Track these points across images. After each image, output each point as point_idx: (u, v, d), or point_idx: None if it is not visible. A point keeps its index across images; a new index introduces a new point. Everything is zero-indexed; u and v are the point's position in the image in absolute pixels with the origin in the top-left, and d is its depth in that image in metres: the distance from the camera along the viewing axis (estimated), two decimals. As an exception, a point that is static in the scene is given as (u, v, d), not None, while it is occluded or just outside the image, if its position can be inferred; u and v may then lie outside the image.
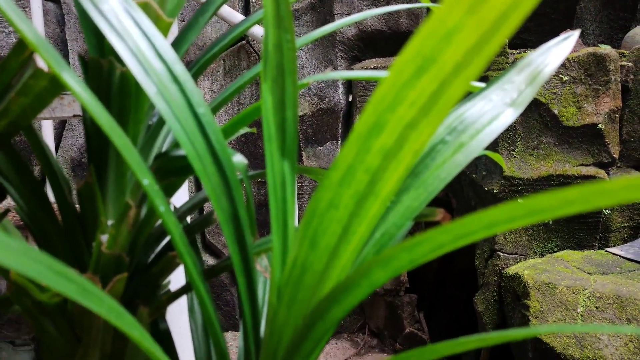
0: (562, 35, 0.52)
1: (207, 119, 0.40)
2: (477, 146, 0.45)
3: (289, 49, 0.40)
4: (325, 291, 0.36)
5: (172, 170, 0.43)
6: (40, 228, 0.45)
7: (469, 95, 0.49)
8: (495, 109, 0.46)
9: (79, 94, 0.32)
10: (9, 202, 0.51)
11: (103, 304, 0.28)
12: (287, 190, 0.41)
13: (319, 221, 0.33)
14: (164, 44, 0.41)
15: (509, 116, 0.46)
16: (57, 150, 2.24)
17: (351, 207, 0.32)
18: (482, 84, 0.51)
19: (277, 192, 0.39)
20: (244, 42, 2.13)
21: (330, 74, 0.49)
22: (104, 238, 0.42)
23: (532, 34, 2.07)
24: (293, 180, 0.42)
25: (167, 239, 0.51)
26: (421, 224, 2.05)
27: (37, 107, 0.42)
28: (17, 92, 0.40)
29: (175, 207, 0.58)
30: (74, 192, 0.46)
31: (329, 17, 2.13)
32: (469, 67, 0.24)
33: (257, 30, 1.91)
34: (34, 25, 0.31)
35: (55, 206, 0.46)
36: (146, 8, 0.43)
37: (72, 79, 0.33)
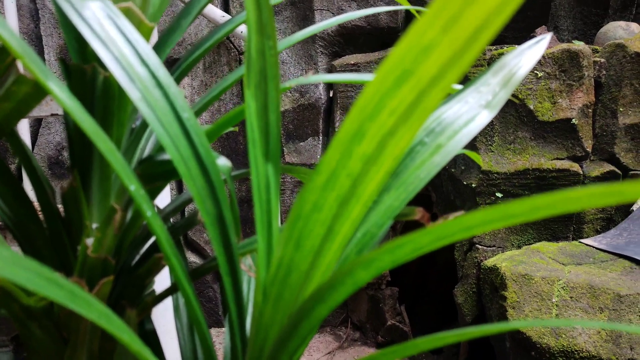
0: (535, 38, 0.53)
1: (191, 123, 0.41)
2: (454, 147, 0.46)
3: (271, 55, 0.41)
4: (310, 290, 0.38)
5: (157, 174, 0.44)
6: (24, 231, 0.45)
7: (447, 97, 0.51)
8: (472, 111, 0.48)
9: (63, 101, 0.33)
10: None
11: (92, 309, 0.29)
12: (271, 193, 0.42)
13: (303, 223, 0.34)
14: (147, 49, 0.41)
15: (484, 118, 0.47)
16: (33, 148, 2.20)
17: (334, 210, 0.33)
18: (459, 86, 0.52)
19: (261, 194, 0.40)
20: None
21: (311, 78, 0.50)
22: (90, 242, 0.42)
23: (508, 30, 2.11)
24: (277, 182, 0.43)
25: (152, 239, 0.51)
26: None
27: (21, 112, 0.42)
28: (1, 98, 0.40)
29: (158, 209, 0.59)
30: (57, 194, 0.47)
31: (309, 13, 2.13)
32: (445, 79, 0.25)
33: (238, 27, 1.90)
34: (14, 29, 0.31)
35: (37, 208, 0.46)
36: (128, 13, 0.43)
37: (57, 86, 0.33)
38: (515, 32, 2.12)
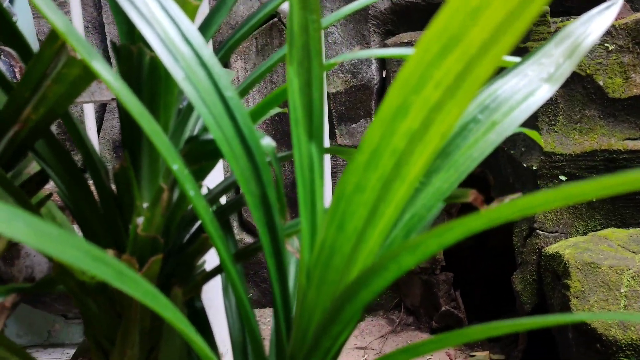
0: (606, 3, 0.49)
1: (235, 102, 0.41)
2: (510, 124, 0.43)
3: (314, 30, 0.39)
4: (354, 274, 0.37)
5: (202, 154, 0.44)
6: (81, 211, 0.47)
7: (503, 70, 0.47)
8: (531, 85, 0.44)
9: (109, 81, 0.33)
10: (52, 185, 0.53)
11: (139, 287, 0.29)
12: (314, 172, 0.41)
13: (346, 204, 0.32)
14: (191, 29, 0.41)
15: (545, 92, 0.44)
16: (99, 132, 2.32)
17: (377, 191, 0.31)
18: (517, 59, 0.49)
19: (304, 174, 0.39)
20: (275, 19, 2.12)
21: (358, 53, 0.48)
22: (140, 221, 0.43)
23: (574, 1, 1.97)
24: (321, 161, 0.42)
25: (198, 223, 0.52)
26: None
27: (72, 94, 0.43)
28: (52, 81, 0.41)
29: (209, 189, 0.59)
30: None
31: (361, -8, 2.08)
32: (497, 46, 0.23)
33: (286, 6, 1.89)
34: (63, 14, 0.31)
35: (94, 189, 0.48)
36: (173, -8, 0.43)
37: (102, 67, 0.33)
38: (583, 2, 1.97)
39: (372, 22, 2.08)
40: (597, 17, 0.46)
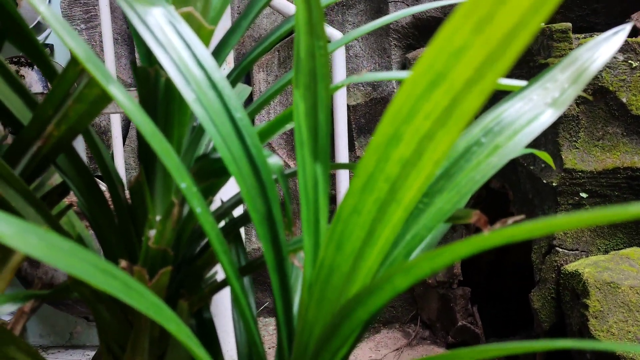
0: (613, 29, 0.49)
1: (244, 122, 0.42)
2: (513, 148, 0.44)
3: (321, 55, 0.41)
4: (353, 291, 0.38)
5: (211, 171, 0.46)
6: (97, 222, 0.50)
7: (509, 94, 0.48)
8: (535, 109, 0.45)
9: (123, 104, 0.35)
10: (73, 195, 0.56)
11: (144, 300, 0.31)
12: (319, 192, 0.42)
13: (343, 226, 0.34)
14: (204, 52, 0.43)
15: (548, 117, 0.44)
16: (124, 141, 2.38)
17: (373, 213, 0.32)
18: (523, 83, 0.49)
19: (308, 194, 0.41)
20: (298, 33, 2.15)
21: (365, 76, 0.49)
22: (152, 233, 0.45)
23: (599, 16, 1.94)
24: (326, 181, 0.43)
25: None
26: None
27: (92, 113, 0.45)
28: (74, 100, 0.43)
29: (222, 201, 0.61)
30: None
31: (383, 5, 2.10)
32: (482, 82, 0.24)
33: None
34: (83, 41, 0.34)
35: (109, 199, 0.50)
36: (189, 18, 0.45)
37: (118, 90, 0.36)
38: (608, 18, 1.95)
39: (394, 36, 2.09)
40: (603, 44, 0.47)
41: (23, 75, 2.09)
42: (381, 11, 2.12)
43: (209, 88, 0.42)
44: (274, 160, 0.45)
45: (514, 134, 0.44)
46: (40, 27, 2.30)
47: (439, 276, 2.06)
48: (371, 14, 2.15)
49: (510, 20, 0.20)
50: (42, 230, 0.27)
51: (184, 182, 0.37)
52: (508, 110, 0.46)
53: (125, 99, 0.36)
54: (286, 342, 0.42)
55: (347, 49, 2.14)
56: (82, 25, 2.41)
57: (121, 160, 1.98)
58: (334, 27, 2.11)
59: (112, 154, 2.06)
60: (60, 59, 2.28)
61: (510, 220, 0.45)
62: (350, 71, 2.17)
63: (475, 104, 0.25)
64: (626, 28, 0.48)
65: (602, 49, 0.47)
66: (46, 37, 2.30)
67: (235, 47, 2.20)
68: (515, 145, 0.44)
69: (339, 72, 1.96)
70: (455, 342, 2.05)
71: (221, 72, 0.43)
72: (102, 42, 2.03)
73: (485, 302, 2.16)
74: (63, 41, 0.33)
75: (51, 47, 2.29)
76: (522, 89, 0.47)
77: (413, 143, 0.28)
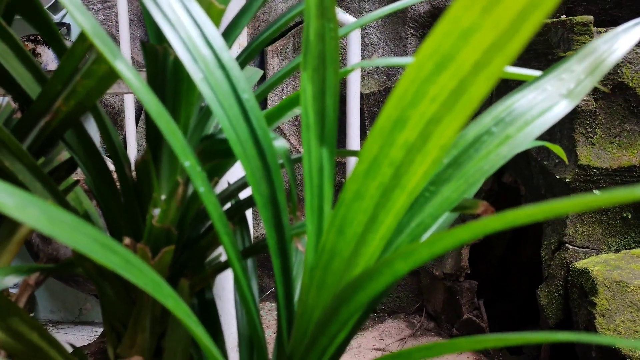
0: (633, 21, 0.47)
1: (251, 104, 0.42)
2: (524, 139, 0.43)
3: (331, 38, 0.40)
4: (354, 276, 0.37)
5: (217, 152, 0.46)
6: (104, 199, 0.50)
7: (523, 84, 0.47)
8: (549, 100, 0.44)
9: (130, 80, 0.35)
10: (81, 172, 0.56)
11: (143, 276, 0.31)
12: (324, 177, 0.42)
13: (346, 210, 0.33)
14: (213, 31, 0.42)
15: (562, 108, 0.43)
16: (137, 121, 2.39)
17: (376, 199, 0.32)
18: (537, 72, 0.48)
19: (313, 178, 0.40)
20: (313, 19, 2.13)
21: (375, 61, 0.49)
22: (156, 212, 0.45)
23: (623, 10, 1.90)
24: (332, 166, 0.43)
25: (217, 215, 0.54)
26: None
27: (101, 89, 0.45)
28: (83, 76, 0.43)
29: (229, 183, 0.61)
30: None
31: (400, -7, 2.07)
32: (491, 66, 0.23)
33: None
34: (91, 16, 0.34)
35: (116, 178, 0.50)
36: (199, -4, 0.45)
37: (125, 66, 0.35)
38: (632, 12, 1.90)
39: (410, 24, 2.06)
40: (622, 35, 0.45)
41: (39, 54, 2.10)
42: (398, -1, 2.09)
43: (217, 68, 0.41)
44: (280, 144, 0.45)
45: (525, 124, 0.43)
46: (57, 5, 2.30)
47: (446, 268, 2.05)
48: (388, 1, 2.12)
49: (520, 1, 0.20)
50: (45, 203, 0.27)
51: (188, 161, 0.36)
52: (520, 100, 0.45)
53: (132, 76, 0.35)
54: (285, 325, 0.42)
55: (363, 37, 2.12)
56: (99, 6, 2.41)
57: (133, 140, 1.99)
58: (350, 14, 2.09)
59: (125, 134, 2.08)
60: (77, 39, 2.29)
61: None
62: (365, 59, 2.15)
63: (483, 89, 0.25)
64: (647, 19, 0.47)
65: (621, 40, 0.46)
66: (63, 16, 2.31)
67: (250, 32, 2.19)
68: (527, 137, 0.43)
69: (354, 58, 1.94)
70: (460, 335, 2.05)
71: (230, 53, 0.43)
72: (117, 22, 2.03)
73: (494, 296, 2.15)
74: (71, 15, 0.33)
75: (68, 26, 2.30)
76: (537, 78, 0.46)
77: (419, 127, 0.27)
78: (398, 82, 0.26)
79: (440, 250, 0.29)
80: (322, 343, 0.39)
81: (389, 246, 0.42)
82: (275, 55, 2.22)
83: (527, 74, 0.50)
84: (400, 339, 2.10)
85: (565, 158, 0.63)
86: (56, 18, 2.28)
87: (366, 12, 2.14)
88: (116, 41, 2.30)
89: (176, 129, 0.37)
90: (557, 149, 0.60)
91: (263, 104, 2.24)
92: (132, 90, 0.35)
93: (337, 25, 0.40)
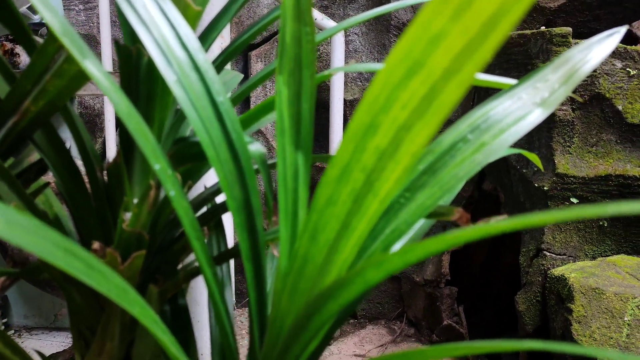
0: (608, 32, 0.48)
1: (226, 107, 0.41)
2: (499, 146, 0.43)
3: (308, 42, 0.40)
4: (327, 283, 0.37)
5: (190, 155, 0.45)
6: (74, 202, 0.49)
7: (499, 92, 0.47)
8: (524, 109, 0.44)
9: (99, 80, 0.34)
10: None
11: (106, 282, 0.30)
12: (299, 182, 0.41)
13: (318, 216, 0.33)
14: (188, 33, 0.42)
15: (536, 116, 0.44)
16: (118, 124, 2.36)
17: (349, 205, 0.32)
18: (513, 81, 0.48)
19: (287, 183, 0.40)
20: (297, 24, 2.13)
21: (352, 67, 0.48)
22: (127, 216, 0.44)
23: (601, 23, 1.94)
24: (307, 171, 0.42)
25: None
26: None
27: (72, 89, 0.44)
28: (53, 75, 0.42)
29: (206, 187, 0.60)
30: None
31: (384, 0, 2.09)
32: (461, 72, 0.23)
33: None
34: (60, 14, 0.33)
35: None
36: (175, -3, 0.44)
37: (94, 66, 0.35)
38: (609, 25, 1.94)
39: (394, 32, 2.08)
40: (596, 45, 0.46)
41: (18, 54, 2.06)
42: (383, 4, 2.10)
43: (192, 70, 0.41)
44: (256, 147, 0.44)
45: (501, 132, 0.44)
46: (37, 5, 2.26)
47: (426, 275, 2.06)
48: (373, 7, 2.13)
49: (490, 7, 0.19)
50: (2, 206, 0.26)
51: (158, 164, 0.36)
52: (496, 107, 0.45)
53: (101, 76, 0.35)
54: (257, 332, 0.41)
55: (347, 44, 2.12)
56: (81, 7, 2.38)
57: (113, 143, 1.96)
58: (335, 20, 2.10)
59: (105, 137, 2.05)
60: (56, 39, 2.25)
61: (492, 220, 0.44)
62: (350, 66, 2.15)
63: (454, 96, 0.24)
64: (621, 31, 0.48)
65: (595, 50, 0.46)
66: (43, 16, 2.27)
67: (235, 30, 2.18)
68: (501, 144, 0.43)
69: (337, 64, 1.94)
70: (440, 341, 2.05)
71: (205, 55, 0.42)
72: (99, 23, 2.00)
73: (474, 303, 2.16)
74: (40, 14, 0.32)
75: (47, 25, 2.26)
76: (513, 87, 0.46)
77: (390, 133, 0.27)
78: (369, 87, 0.25)
79: (413, 259, 0.29)
80: (295, 351, 0.38)
81: (363, 253, 0.42)
82: (259, 60, 2.21)
83: (503, 82, 0.51)
84: (381, 345, 2.10)
85: (541, 166, 0.63)
86: (37, 17, 2.24)
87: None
88: (97, 42, 2.26)
89: (146, 131, 0.37)
90: (533, 157, 0.60)
91: (246, 106, 2.23)
92: (101, 90, 0.34)
93: (314, 29, 0.40)
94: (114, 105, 0.35)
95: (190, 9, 0.45)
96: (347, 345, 2.12)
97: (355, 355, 2.03)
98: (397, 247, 0.46)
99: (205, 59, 0.42)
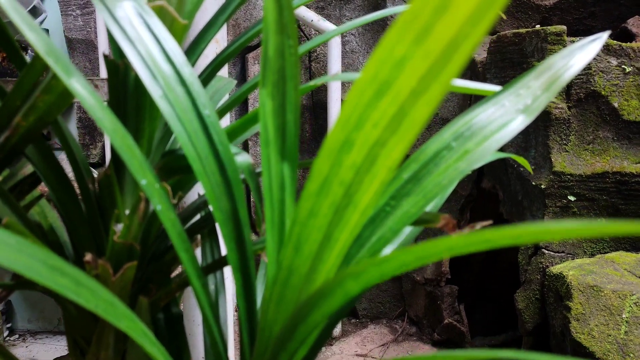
0: (590, 37, 0.49)
1: (212, 120, 0.42)
2: (482, 154, 0.44)
3: (291, 54, 0.41)
4: (312, 291, 0.38)
5: (178, 168, 0.45)
6: (66, 213, 0.49)
7: (483, 99, 0.48)
8: (507, 116, 0.45)
9: (84, 98, 0.35)
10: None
11: (93, 297, 0.31)
12: (285, 192, 0.42)
13: (301, 228, 0.34)
14: (174, 47, 0.42)
15: (519, 123, 0.44)
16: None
17: (330, 217, 0.32)
18: (497, 88, 0.49)
19: (273, 194, 0.41)
20: (294, 26, 2.14)
21: (339, 76, 0.49)
22: (118, 227, 0.45)
23: (597, 20, 1.94)
24: (293, 181, 0.43)
25: (184, 228, 0.53)
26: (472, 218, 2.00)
27: (61, 104, 0.45)
28: (42, 91, 0.43)
29: (199, 195, 0.61)
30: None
31: (380, 1, 2.09)
32: (428, 92, 0.23)
33: (306, 14, 1.91)
34: (44, 33, 0.33)
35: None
36: (161, 12, 0.45)
37: (80, 84, 0.35)
38: (604, 23, 1.94)
39: (390, 31, 2.08)
40: (579, 52, 0.47)
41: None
42: (378, 7, 2.10)
43: (178, 84, 0.41)
44: (243, 159, 0.45)
45: (484, 139, 0.44)
46: (35, 11, 2.28)
47: (427, 274, 2.07)
48: (368, 9, 2.13)
49: (450, 31, 0.20)
50: (-12, 226, 0.27)
51: (145, 179, 0.36)
52: (480, 115, 0.46)
53: (86, 94, 0.35)
54: (247, 340, 0.42)
55: (344, 44, 2.13)
56: (78, 11, 2.39)
57: (110, 155, 1.97)
58: (331, 21, 2.10)
59: (105, 141, 2.06)
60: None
61: (478, 226, 0.45)
62: (346, 66, 2.16)
63: (424, 114, 0.25)
64: (603, 37, 0.48)
65: (577, 57, 0.47)
66: (42, 22, 2.28)
67: (232, 33, 2.19)
68: (485, 151, 0.44)
69: (334, 65, 1.95)
70: (441, 340, 2.06)
71: (191, 68, 0.43)
72: (97, 28, 2.01)
73: (475, 301, 2.17)
74: (22, 33, 0.33)
75: (46, 31, 2.27)
76: (496, 94, 0.47)
77: (364, 149, 0.28)
78: (343, 106, 0.26)
79: (390, 270, 0.29)
80: (283, 359, 0.39)
81: (349, 261, 0.43)
82: (256, 62, 2.22)
83: (486, 89, 0.51)
84: (383, 345, 2.11)
85: (530, 169, 0.64)
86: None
87: (347, 19, 2.15)
88: (95, 47, 2.28)
89: (132, 145, 0.37)
90: (521, 160, 0.61)
91: (244, 108, 2.23)
92: (85, 108, 0.35)
93: (297, 41, 0.41)
94: (97, 123, 0.35)
95: (176, 23, 0.46)
96: (349, 344, 2.13)
97: (357, 354, 2.04)
98: (385, 253, 0.46)
99: (191, 72, 0.43)
